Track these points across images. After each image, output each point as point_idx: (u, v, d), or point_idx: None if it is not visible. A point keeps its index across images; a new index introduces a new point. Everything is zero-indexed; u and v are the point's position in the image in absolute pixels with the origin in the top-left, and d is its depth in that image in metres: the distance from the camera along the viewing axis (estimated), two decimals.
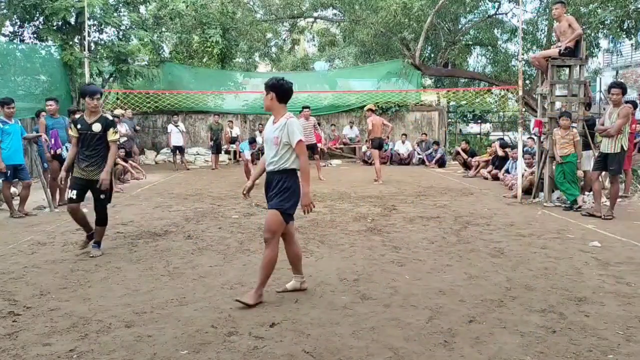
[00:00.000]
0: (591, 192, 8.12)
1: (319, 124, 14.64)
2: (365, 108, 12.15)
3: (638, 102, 9.23)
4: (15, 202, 7.88)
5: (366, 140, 13.86)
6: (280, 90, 3.92)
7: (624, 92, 7.41)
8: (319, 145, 13.66)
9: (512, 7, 17.77)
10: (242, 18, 19.29)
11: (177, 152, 14.93)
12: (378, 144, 11.72)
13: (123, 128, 11.82)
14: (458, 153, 14.19)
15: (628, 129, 7.45)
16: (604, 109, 9.23)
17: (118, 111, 13.18)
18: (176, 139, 14.73)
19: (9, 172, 7.44)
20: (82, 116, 5.40)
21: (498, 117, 23.45)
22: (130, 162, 12.40)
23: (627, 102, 7.70)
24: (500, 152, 12.15)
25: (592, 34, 14.24)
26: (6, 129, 7.47)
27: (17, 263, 5.04)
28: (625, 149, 7.35)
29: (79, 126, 5.31)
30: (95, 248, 5.36)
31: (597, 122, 8.46)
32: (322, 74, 23.63)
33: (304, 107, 12.27)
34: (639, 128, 9.00)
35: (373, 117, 11.58)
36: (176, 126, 14.76)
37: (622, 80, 15.30)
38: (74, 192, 5.28)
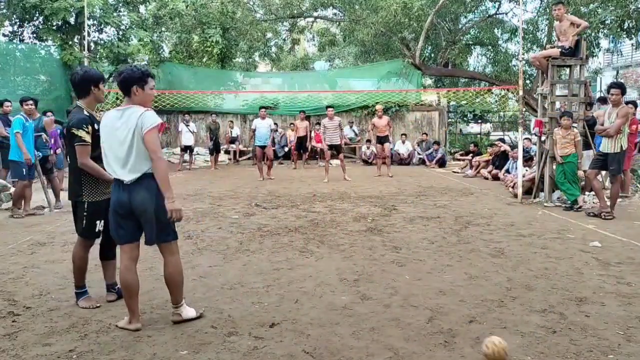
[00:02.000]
0: (592, 192, 8.11)
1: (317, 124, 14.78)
2: (380, 107, 12.93)
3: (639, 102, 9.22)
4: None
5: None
6: (119, 80, 3.34)
7: (623, 92, 7.41)
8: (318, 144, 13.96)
9: (513, 7, 17.81)
10: (242, 18, 19.27)
11: (187, 151, 15.11)
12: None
13: None
14: (461, 158, 14.81)
15: (627, 129, 7.45)
16: (600, 107, 9.24)
17: None
18: (187, 139, 14.88)
19: (24, 169, 7.42)
20: (86, 112, 3.73)
21: (498, 117, 23.46)
22: None
23: (627, 102, 7.70)
24: (506, 147, 12.24)
25: (593, 34, 14.24)
26: (27, 126, 7.48)
27: (17, 263, 5.04)
28: (625, 148, 7.34)
29: (95, 126, 3.66)
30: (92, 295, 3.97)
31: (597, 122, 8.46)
32: (322, 73, 23.63)
33: (327, 107, 12.49)
34: None
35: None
36: (187, 126, 14.85)
37: (622, 80, 15.30)
38: (102, 222, 3.83)
